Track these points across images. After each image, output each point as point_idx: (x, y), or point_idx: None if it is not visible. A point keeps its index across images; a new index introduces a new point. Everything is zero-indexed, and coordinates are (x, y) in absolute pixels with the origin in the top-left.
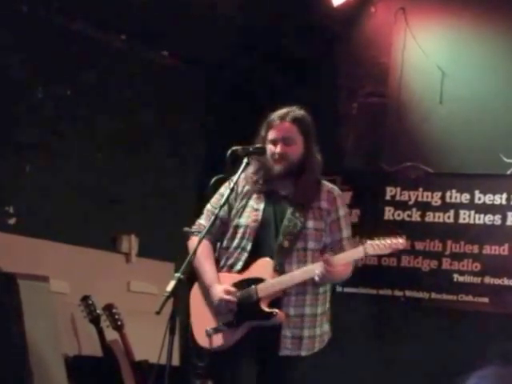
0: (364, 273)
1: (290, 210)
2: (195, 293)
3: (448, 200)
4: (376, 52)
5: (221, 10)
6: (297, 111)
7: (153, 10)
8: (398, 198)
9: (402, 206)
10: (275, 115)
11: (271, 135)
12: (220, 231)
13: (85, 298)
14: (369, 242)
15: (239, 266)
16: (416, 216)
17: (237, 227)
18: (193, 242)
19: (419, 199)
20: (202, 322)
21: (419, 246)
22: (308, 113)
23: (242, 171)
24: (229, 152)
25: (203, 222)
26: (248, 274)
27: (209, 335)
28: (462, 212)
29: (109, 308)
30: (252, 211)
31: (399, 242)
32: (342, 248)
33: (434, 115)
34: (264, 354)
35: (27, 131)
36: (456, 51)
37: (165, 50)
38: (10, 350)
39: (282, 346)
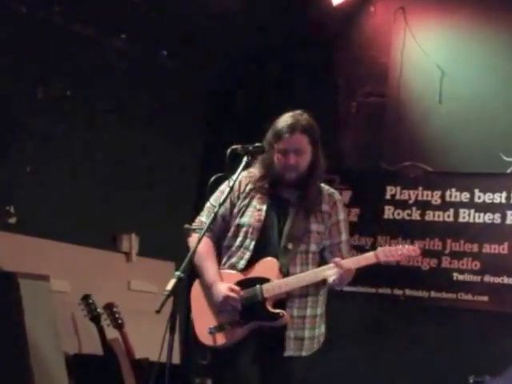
0: (363, 271)
1: (293, 213)
2: (196, 290)
3: (448, 199)
4: (375, 51)
5: (221, 11)
6: (304, 120)
7: (152, 11)
8: (397, 197)
9: (402, 205)
10: (285, 126)
11: (282, 146)
12: (221, 229)
13: (85, 297)
14: (380, 248)
15: (242, 264)
16: (416, 215)
17: (239, 226)
18: (193, 239)
19: (419, 198)
20: (204, 319)
21: (419, 244)
22: (310, 115)
23: (242, 170)
24: (228, 151)
25: (204, 218)
26: (253, 273)
27: (212, 333)
28: (461, 211)
29: (109, 307)
30: (255, 211)
31: (411, 249)
32: (339, 250)
33: (433, 114)
34: (266, 355)
35: (27, 131)
36: (455, 50)
37: (164, 50)
38: (10, 349)
39: (286, 347)
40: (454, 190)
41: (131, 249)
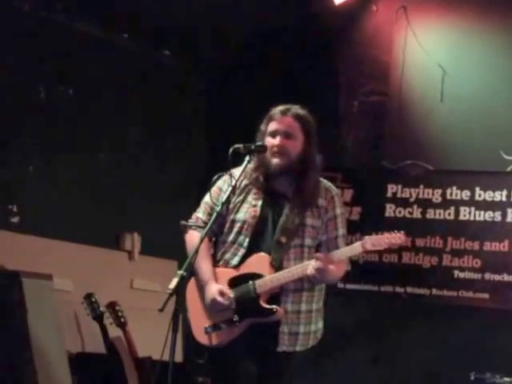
0: (365, 269)
1: (288, 207)
2: (191, 289)
3: (448, 197)
4: (377, 50)
5: (222, 9)
6: (299, 109)
7: (154, 9)
8: (399, 195)
9: (403, 203)
10: (277, 109)
11: (271, 127)
12: (218, 225)
13: (88, 296)
14: (367, 237)
15: (236, 261)
16: (417, 213)
17: (234, 222)
18: (190, 236)
19: (420, 196)
20: (200, 319)
21: (420, 242)
22: (310, 113)
23: (244, 168)
24: (231, 150)
25: (200, 215)
26: (245, 270)
27: (208, 333)
28: (462, 209)
29: (112, 305)
30: (250, 207)
31: (397, 236)
32: (336, 246)
33: (434, 113)
34: (261, 350)
35: (30, 130)
36: (457, 50)
37: (167, 49)
38: (13, 348)
39: (280, 342)
40: (454, 188)
41: (134, 248)
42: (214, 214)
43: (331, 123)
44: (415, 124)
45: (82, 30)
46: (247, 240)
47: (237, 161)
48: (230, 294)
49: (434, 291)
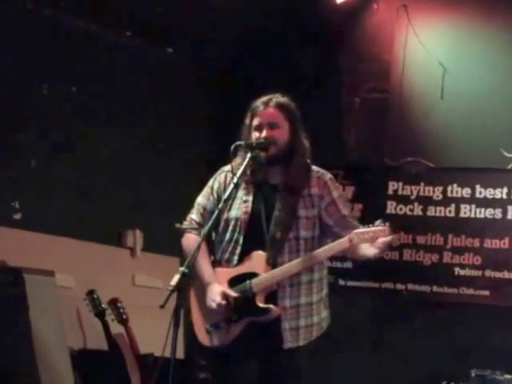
0: (366, 266)
1: (280, 200)
2: (194, 291)
3: (449, 194)
4: (378, 48)
5: (223, 7)
6: (280, 97)
7: (157, 7)
8: (400, 192)
9: (404, 200)
10: (258, 102)
11: (256, 121)
12: (212, 225)
13: (90, 292)
14: (354, 231)
15: (235, 260)
16: (418, 210)
17: (228, 220)
18: (186, 239)
19: (421, 194)
20: (202, 319)
21: (421, 239)
22: (292, 101)
23: (246, 166)
24: (232, 147)
25: (194, 216)
26: (242, 269)
27: (209, 332)
28: (463, 206)
29: (114, 302)
30: (241, 203)
31: (381, 230)
32: (348, 223)
33: (435, 110)
34: (265, 349)
35: (32, 127)
36: (457, 47)
37: (169, 47)
38: (15, 344)
39: (284, 339)
40: (455, 185)
41: (136, 244)
42: (216, 212)
43: (332, 120)
44: (416, 121)
45: (84, 27)
46: (242, 237)
47: (236, 158)
48: (233, 294)
49: (435, 288)
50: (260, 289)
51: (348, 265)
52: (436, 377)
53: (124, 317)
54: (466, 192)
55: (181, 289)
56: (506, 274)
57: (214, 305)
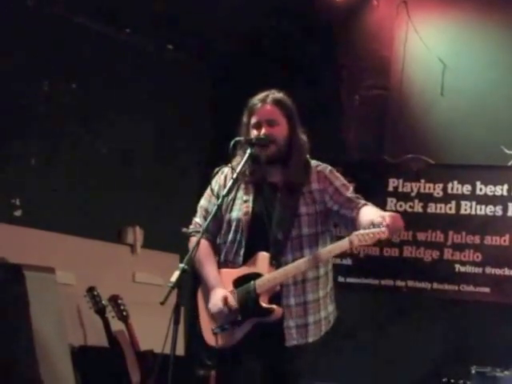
0: (366, 263)
1: (280, 199)
2: (200, 295)
3: (450, 191)
4: (378, 45)
5: (223, 5)
6: (276, 93)
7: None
8: (400, 189)
9: (405, 197)
10: (255, 99)
11: (254, 119)
12: (216, 226)
13: (90, 289)
14: (354, 232)
15: (239, 261)
16: (418, 207)
17: (230, 221)
18: (192, 243)
19: (421, 190)
20: (208, 322)
21: (421, 236)
22: (288, 96)
23: (246, 162)
24: (232, 143)
25: (198, 219)
26: (247, 270)
27: (215, 333)
28: (463, 203)
29: (114, 299)
30: (242, 203)
31: (381, 231)
32: (354, 204)
33: (435, 107)
34: (270, 348)
35: (33, 124)
36: (457, 44)
37: (170, 44)
38: (16, 341)
39: (287, 337)
40: (455, 182)
41: (136, 241)
42: (214, 208)
43: (332, 117)
44: (416, 118)
45: (85, 25)
46: (244, 238)
47: (235, 154)
48: (234, 304)
49: (435, 285)
50: (264, 290)
51: (348, 261)
52: (436, 374)
53: (124, 313)
54: (466, 189)
55: (181, 285)
56: (507, 271)
57: (215, 310)
